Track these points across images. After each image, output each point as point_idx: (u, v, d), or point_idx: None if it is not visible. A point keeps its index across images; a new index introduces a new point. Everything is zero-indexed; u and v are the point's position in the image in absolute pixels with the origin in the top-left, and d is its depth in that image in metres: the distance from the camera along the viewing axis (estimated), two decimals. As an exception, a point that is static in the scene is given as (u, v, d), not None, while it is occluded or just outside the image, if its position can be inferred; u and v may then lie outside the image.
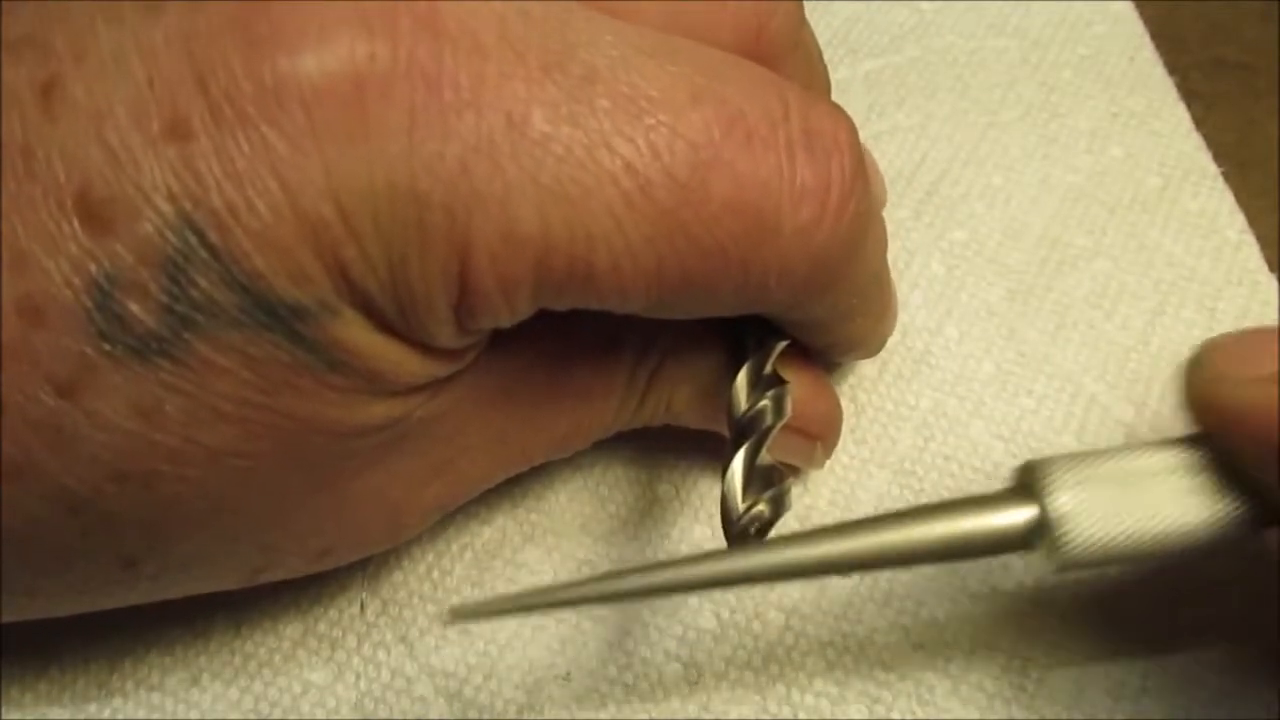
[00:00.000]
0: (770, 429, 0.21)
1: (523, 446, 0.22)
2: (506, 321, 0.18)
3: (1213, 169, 0.30)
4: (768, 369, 0.22)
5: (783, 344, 0.22)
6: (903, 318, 0.28)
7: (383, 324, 0.17)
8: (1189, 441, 0.19)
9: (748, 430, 0.21)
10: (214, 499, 0.18)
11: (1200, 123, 0.31)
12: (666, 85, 0.18)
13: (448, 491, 0.22)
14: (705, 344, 0.23)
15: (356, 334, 0.17)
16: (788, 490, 0.21)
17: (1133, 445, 0.19)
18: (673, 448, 0.26)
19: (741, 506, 0.20)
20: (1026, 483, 0.19)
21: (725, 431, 0.22)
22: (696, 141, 0.18)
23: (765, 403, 0.21)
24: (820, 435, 0.24)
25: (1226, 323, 0.27)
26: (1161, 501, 0.18)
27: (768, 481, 0.21)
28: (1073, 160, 0.31)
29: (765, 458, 0.21)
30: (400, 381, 0.18)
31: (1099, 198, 0.30)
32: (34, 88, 0.16)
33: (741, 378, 0.22)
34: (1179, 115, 0.31)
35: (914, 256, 0.29)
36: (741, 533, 0.20)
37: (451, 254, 0.17)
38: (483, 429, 0.21)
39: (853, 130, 0.20)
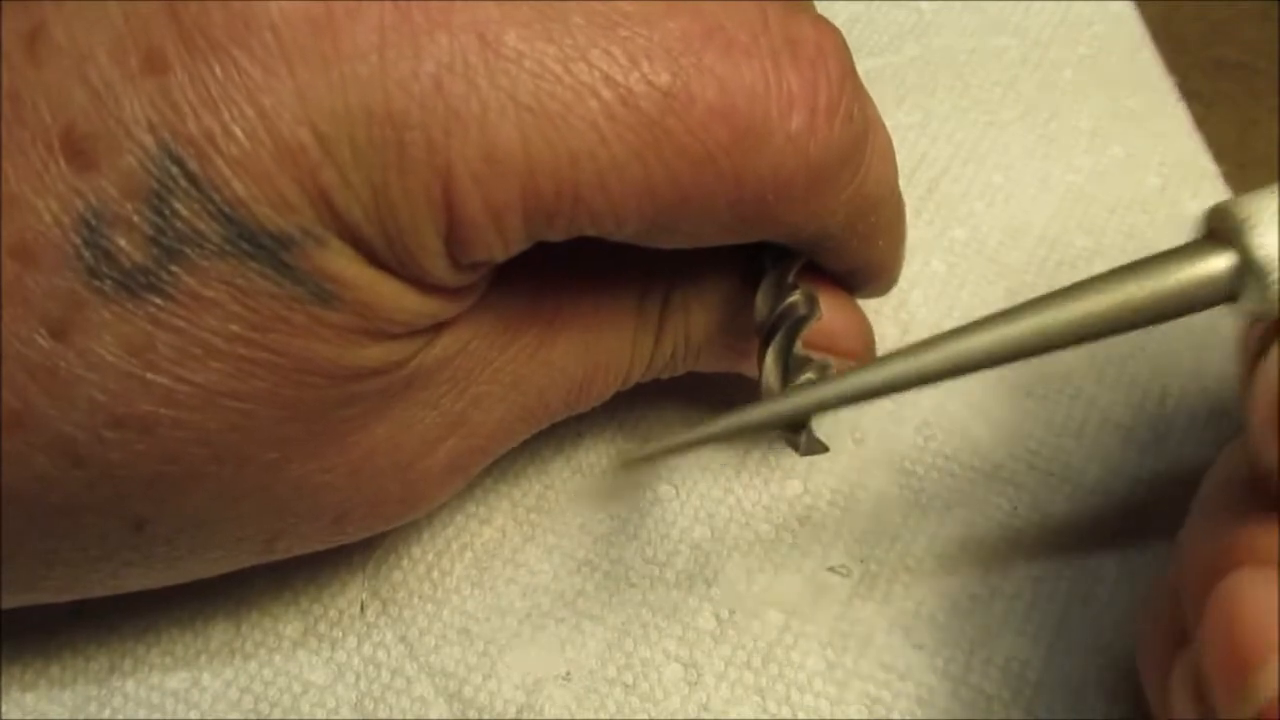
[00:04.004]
0: (805, 318, 0.20)
1: (539, 392, 0.22)
2: (501, 254, 0.18)
3: (1213, 169, 0.30)
4: (790, 279, 0.21)
5: (802, 258, 0.22)
6: (903, 315, 0.28)
7: (372, 256, 0.17)
8: None
9: (778, 325, 0.20)
10: (214, 447, 0.18)
11: (1200, 123, 0.31)
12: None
13: (464, 448, 0.21)
14: (717, 269, 0.22)
15: (345, 265, 0.17)
16: (831, 364, 0.20)
17: None
18: (673, 448, 0.26)
19: (780, 389, 0.20)
20: (1220, 228, 0.17)
21: (751, 371, 0.21)
22: (675, 49, 0.18)
23: (795, 297, 0.21)
24: (852, 352, 0.23)
25: (1226, 322, 0.27)
26: None
27: (805, 367, 0.20)
28: (1073, 160, 0.31)
29: (802, 351, 0.20)
30: (397, 320, 0.18)
31: (1099, 197, 0.30)
32: (20, 37, 0.16)
33: (764, 287, 0.21)
34: (1179, 115, 0.31)
35: (915, 254, 0.29)
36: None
37: (433, 177, 0.17)
38: (494, 375, 0.21)
39: (838, 39, 0.19)
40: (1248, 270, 0.17)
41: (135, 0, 0.16)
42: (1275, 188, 0.17)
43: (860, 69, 0.20)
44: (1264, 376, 0.16)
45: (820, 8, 0.23)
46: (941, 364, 0.17)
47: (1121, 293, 0.17)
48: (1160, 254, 0.17)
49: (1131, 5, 0.34)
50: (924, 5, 0.34)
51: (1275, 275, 0.16)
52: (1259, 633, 0.15)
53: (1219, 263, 0.17)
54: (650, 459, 0.18)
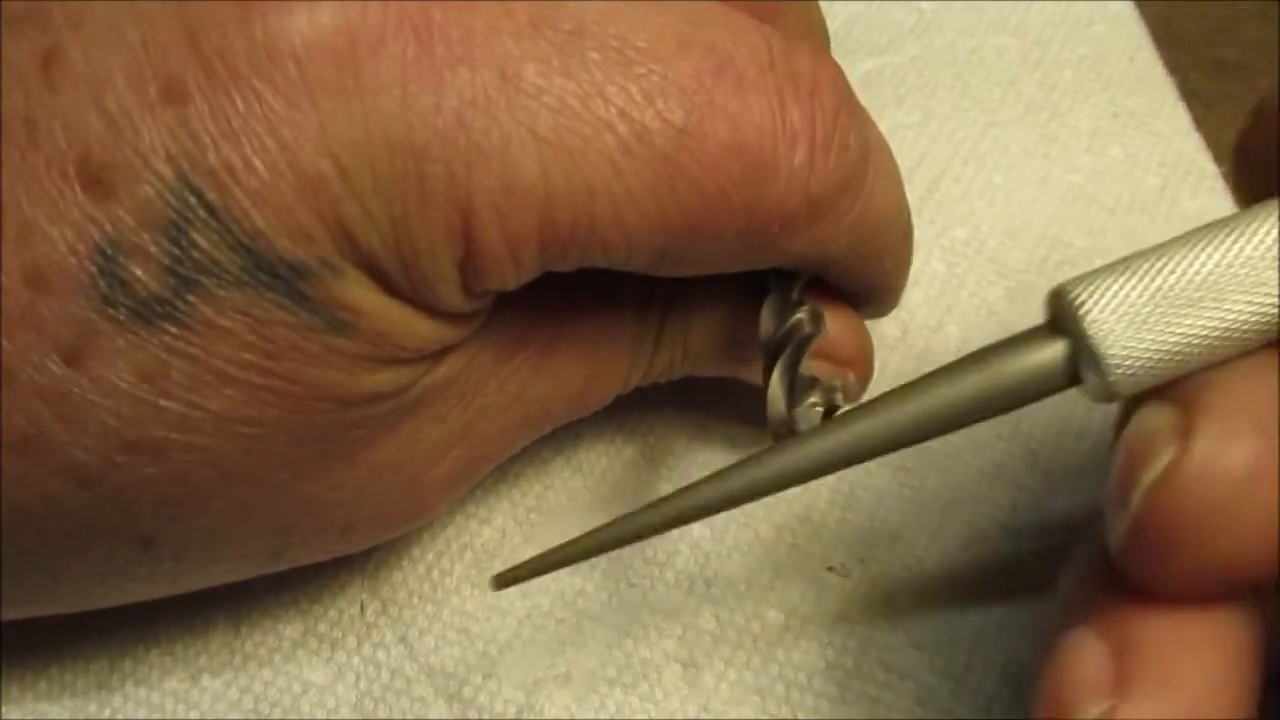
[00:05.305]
0: (810, 336, 0.21)
1: (541, 401, 0.22)
2: (513, 283, 0.18)
3: (1212, 169, 0.30)
4: (794, 296, 0.22)
5: (806, 275, 0.22)
6: (903, 315, 0.28)
7: (388, 285, 0.17)
8: (1233, 224, 0.16)
9: (784, 343, 0.21)
10: (225, 469, 0.18)
11: (1200, 123, 0.31)
12: (654, 35, 0.18)
13: (468, 457, 0.22)
14: (716, 280, 0.23)
15: (361, 295, 0.17)
16: (838, 387, 0.21)
17: (1169, 245, 0.16)
18: (674, 448, 0.26)
19: (786, 410, 0.20)
20: (1056, 314, 0.16)
21: (749, 377, 0.21)
22: (689, 86, 0.18)
23: (800, 315, 0.21)
24: (851, 361, 0.23)
25: (1226, 323, 0.27)
26: (1215, 301, 0.16)
27: (812, 388, 0.21)
28: (1073, 160, 0.31)
29: (807, 369, 0.21)
30: (408, 346, 0.18)
31: (1099, 198, 0.30)
32: (34, 59, 0.16)
33: (768, 305, 0.21)
34: (1179, 115, 0.31)
35: (915, 254, 0.29)
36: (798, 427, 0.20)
37: (453, 209, 0.17)
38: (498, 387, 0.21)
39: (835, 72, 0.20)
40: (1081, 357, 0.16)
41: (154, 27, 0.16)
42: (1110, 266, 0.16)
43: (860, 69, 0.20)
44: (1114, 462, 0.16)
45: (821, 8, 0.23)
46: (767, 480, 0.18)
47: (962, 387, 0.17)
48: (999, 343, 0.17)
49: (1131, 5, 0.34)
50: (924, 5, 0.34)
51: (1109, 362, 0.16)
52: (1070, 691, 0.15)
53: (1055, 351, 0.16)
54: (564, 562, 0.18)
